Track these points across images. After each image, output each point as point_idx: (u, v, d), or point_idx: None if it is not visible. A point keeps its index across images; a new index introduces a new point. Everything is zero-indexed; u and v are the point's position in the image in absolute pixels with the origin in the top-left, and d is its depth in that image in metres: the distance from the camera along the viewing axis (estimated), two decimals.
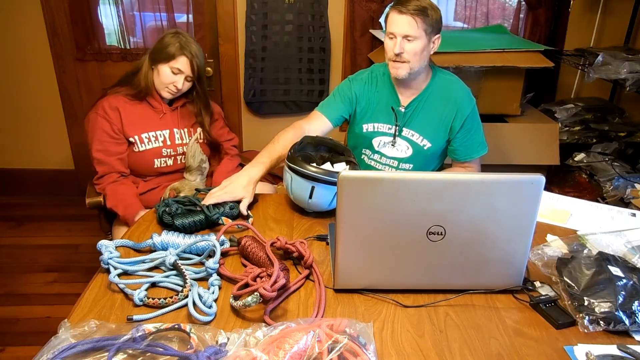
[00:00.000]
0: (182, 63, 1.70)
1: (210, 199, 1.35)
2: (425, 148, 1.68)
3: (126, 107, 1.74)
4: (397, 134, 1.69)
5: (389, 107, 1.67)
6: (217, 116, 1.94)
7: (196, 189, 1.48)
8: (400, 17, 1.50)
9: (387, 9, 1.58)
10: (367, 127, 1.72)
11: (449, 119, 1.65)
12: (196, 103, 1.84)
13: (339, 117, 1.71)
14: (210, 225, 1.33)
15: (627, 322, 0.96)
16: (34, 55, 2.70)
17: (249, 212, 1.40)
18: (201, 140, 1.86)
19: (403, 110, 1.66)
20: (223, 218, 1.33)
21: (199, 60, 1.73)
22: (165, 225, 1.29)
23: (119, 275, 1.08)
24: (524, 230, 1.01)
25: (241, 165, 1.96)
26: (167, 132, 1.79)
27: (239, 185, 1.40)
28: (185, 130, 1.83)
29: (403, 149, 1.70)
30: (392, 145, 1.70)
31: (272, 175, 2.40)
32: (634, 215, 1.46)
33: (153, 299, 1.00)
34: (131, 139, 1.73)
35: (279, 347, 0.81)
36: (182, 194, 1.62)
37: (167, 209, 1.30)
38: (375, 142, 1.72)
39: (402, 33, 1.51)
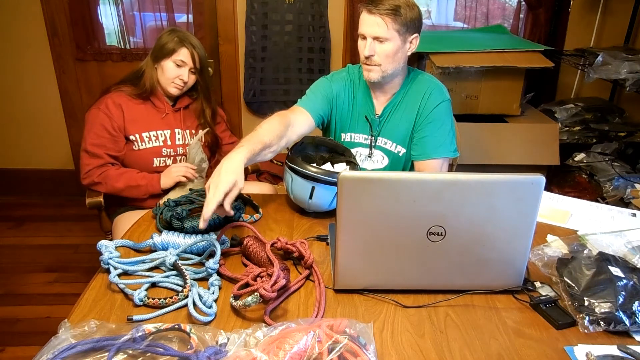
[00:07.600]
0: (184, 54, 1.72)
1: (208, 208, 1.11)
2: (400, 154, 1.58)
3: (129, 105, 1.74)
4: (373, 144, 1.59)
5: (364, 115, 1.58)
6: (220, 119, 1.95)
7: (190, 189, 1.45)
8: (370, 18, 1.40)
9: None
10: (345, 137, 1.62)
11: (417, 116, 1.53)
12: (200, 99, 1.85)
13: (319, 117, 1.56)
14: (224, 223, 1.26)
15: (627, 322, 0.96)
16: (34, 55, 2.70)
17: (259, 208, 1.41)
18: (202, 142, 1.86)
19: (377, 118, 1.57)
20: (243, 215, 1.34)
21: (200, 52, 1.76)
22: (174, 229, 1.23)
23: (119, 275, 1.08)
24: (524, 231, 1.01)
25: None
26: (168, 132, 1.79)
27: (225, 174, 1.16)
28: (187, 131, 1.83)
29: (379, 160, 1.60)
30: (368, 157, 1.60)
31: (272, 175, 2.40)
32: (634, 215, 1.45)
33: (153, 299, 1.00)
34: (131, 137, 1.74)
35: (279, 348, 0.80)
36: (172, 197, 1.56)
37: (174, 213, 1.25)
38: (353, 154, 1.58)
39: (372, 34, 1.41)
